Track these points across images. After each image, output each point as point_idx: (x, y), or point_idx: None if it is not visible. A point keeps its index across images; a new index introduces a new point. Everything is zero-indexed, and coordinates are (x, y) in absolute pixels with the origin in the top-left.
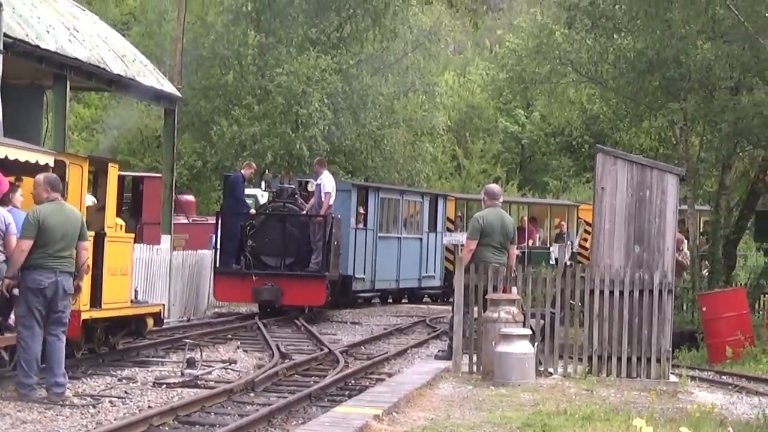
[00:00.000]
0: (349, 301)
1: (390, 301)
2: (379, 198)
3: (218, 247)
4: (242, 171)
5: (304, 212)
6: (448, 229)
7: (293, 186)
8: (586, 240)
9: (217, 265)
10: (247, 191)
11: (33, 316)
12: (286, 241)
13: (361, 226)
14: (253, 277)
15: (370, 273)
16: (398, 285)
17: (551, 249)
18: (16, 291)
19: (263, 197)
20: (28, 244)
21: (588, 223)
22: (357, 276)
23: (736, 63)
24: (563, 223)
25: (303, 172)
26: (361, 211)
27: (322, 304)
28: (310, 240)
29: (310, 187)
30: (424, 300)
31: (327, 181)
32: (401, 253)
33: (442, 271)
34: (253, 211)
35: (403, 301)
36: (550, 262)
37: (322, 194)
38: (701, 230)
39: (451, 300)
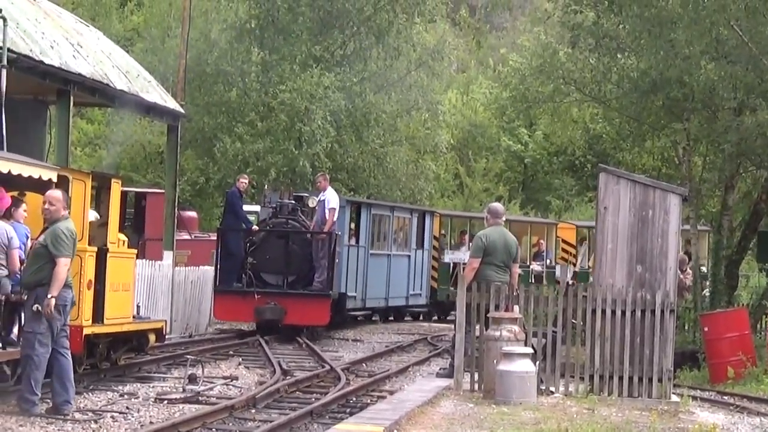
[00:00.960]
0: (343, 320)
1: (375, 319)
2: (370, 214)
3: (218, 264)
4: (236, 185)
5: (308, 229)
6: (439, 246)
7: (293, 201)
8: (564, 259)
9: (217, 283)
10: (248, 207)
11: (51, 334)
12: (289, 259)
13: (353, 242)
14: (255, 296)
15: (362, 291)
16: (387, 303)
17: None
18: (35, 307)
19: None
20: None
21: (566, 242)
22: (349, 294)
23: (739, 84)
24: (542, 241)
25: (305, 188)
26: (353, 227)
27: (326, 324)
28: (312, 257)
29: (311, 203)
30: (405, 318)
31: (331, 197)
32: (390, 270)
33: (428, 289)
34: (255, 227)
35: (390, 319)
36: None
37: (326, 210)
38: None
39: (435, 318)
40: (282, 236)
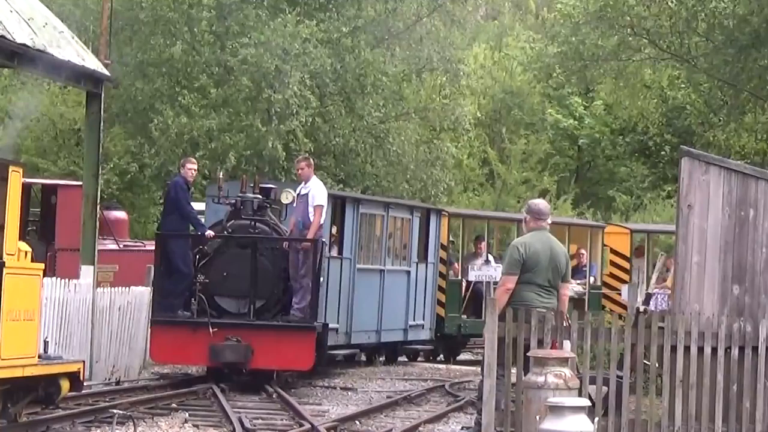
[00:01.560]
0: (319, 362)
1: (359, 360)
2: (358, 213)
3: (155, 285)
4: (181, 173)
5: (282, 234)
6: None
7: (259, 196)
8: (614, 276)
9: (155, 311)
10: (194, 205)
11: None
12: (255, 277)
13: (334, 253)
14: (210, 329)
15: (346, 321)
16: (379, 338)
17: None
18: None
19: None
20: None
21: (616, 253)
22: (330, 326)
23: None
24: (583, 251)
25: (276, 178)
26: (333, 232)
27: (309, 369)
28: (286, 275)
29: (285, 198)
30: (399, 359)
31: (317, 191)
32: (383, 292)
33: (433, 319)
34: (210, 232)
35: (380, 359)
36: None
37: (310, 208)
38: None
39: (440, 357)
40: (245, 245)
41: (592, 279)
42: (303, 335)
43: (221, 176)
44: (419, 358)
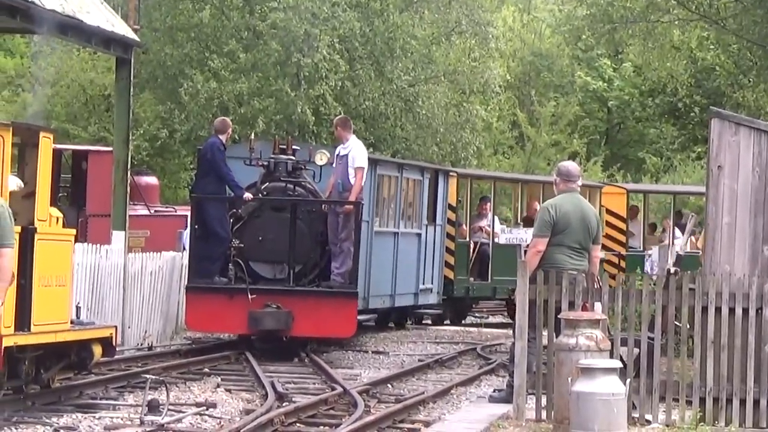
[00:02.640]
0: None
1: (369, 324)
2: (376, 175)
3: (191, 249)
4: (217, 134)
5: (317, 196)
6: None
7: (293, 158)
8: (610, 237)
9: (191, 277)
10: None
11: None
12: (293, 241)
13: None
14: (249, 296)
15: (364, 286)
16: (393, 302)
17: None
18: None
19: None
20: None
21: (612, 213)
22: None
23: None
24: None
25: (305, 142)
26: None
27: (350, 335)
28: (324, 238)
29: (320, 159)
30: (408, 324)
31: (357, 152)
32: (398, 255)
33: (441, 282)
34: (249, 195)
35: (390, 326)
36: (646, 270)
37: (350, 170)
38: None
39: (447, 322)
40: (281, 208)
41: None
42: (345, 301)
43: (253, 137)
44: (424, 322)
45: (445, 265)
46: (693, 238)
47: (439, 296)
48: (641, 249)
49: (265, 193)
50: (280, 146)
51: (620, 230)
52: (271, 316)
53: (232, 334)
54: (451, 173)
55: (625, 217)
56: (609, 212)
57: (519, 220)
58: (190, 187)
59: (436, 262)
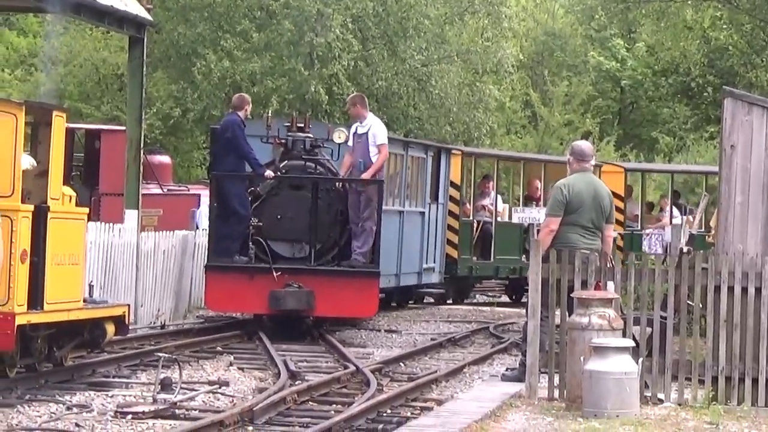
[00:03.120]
0: None
1: (393, 304)
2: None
3: (210, 228)
4: (235, 111)
5: (335, 174)
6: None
7: (311, 135)
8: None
9: (210, 256)
10: None
11: None
12: (315, 219)
13: None
14: (274, 274)
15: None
16: (398, 282)
17: (648, 232)
18: None
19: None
20: None
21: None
22: None
23: None
24: None
25: (319, 122)
26: None
27: (372, 315)
28: (344, 217)
29: (338, 137)
30: (410, 304)
31: (378, 129)
32: (403, 234)
33: (443, 261)
34: (270, 173)
35: (392, 305)
36: (644, 248)
37: (370, 147)
38: None
39: (450, 302)
40: (300, 186)
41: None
42: (367, 281)
43: (269, 114)
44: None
45: (448, 244)
46: (691, 217)
47: (441, 275)
48: (639, 228)
49: (284, 171)
50: (298, 124)
51: (618, 209)
52: (292, 295)
53: (252, 313)
54: (454, 151)
55: (623, 196)
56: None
57: (519, 199)
58: (206, 167)
59: (439, 241)
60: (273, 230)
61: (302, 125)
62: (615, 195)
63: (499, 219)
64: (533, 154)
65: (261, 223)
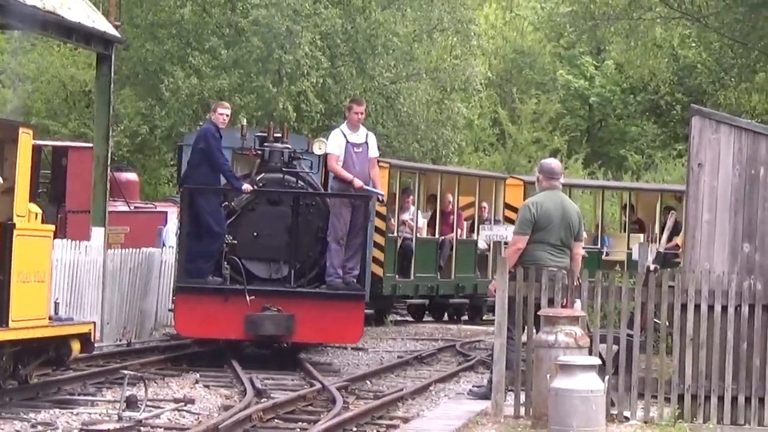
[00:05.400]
0: None
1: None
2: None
3: (180, 246)
4: (212, 119)
5: (316, 188)
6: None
7: (288, 146)
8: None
9: (180, 277)
10: None
11: None
12: (296, 238)
13: None
14: (247, 297)
15: None
16: None
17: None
18: None
19: None
20: None
21: (508, 206)
22: None
23: None
24: (485, 204)
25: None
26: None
27: (356, 341)
28: (324, 235)
29: (318, 149)
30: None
31: (373, 140)
32: None
33: (369, 279)
34: (248, 187)
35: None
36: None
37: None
38: None
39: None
40: (277, 201)
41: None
42: (352, 305)
43: (245, 124)
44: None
45: (374, 262)
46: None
47: (367, 295)
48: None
49: (260, 184)
50: (275, 134)
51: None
52: (270, 320)
53: (227, 338)
54: (381, 163)
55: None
56: (506, 205)
57: (425, 212)
58: (173, 183)
59: (366, 258)
60: (248, 248)
61: (279, 135)
62: (514, 210)
63: (418, 235)
64: (455, 167)
65: (236, 241)
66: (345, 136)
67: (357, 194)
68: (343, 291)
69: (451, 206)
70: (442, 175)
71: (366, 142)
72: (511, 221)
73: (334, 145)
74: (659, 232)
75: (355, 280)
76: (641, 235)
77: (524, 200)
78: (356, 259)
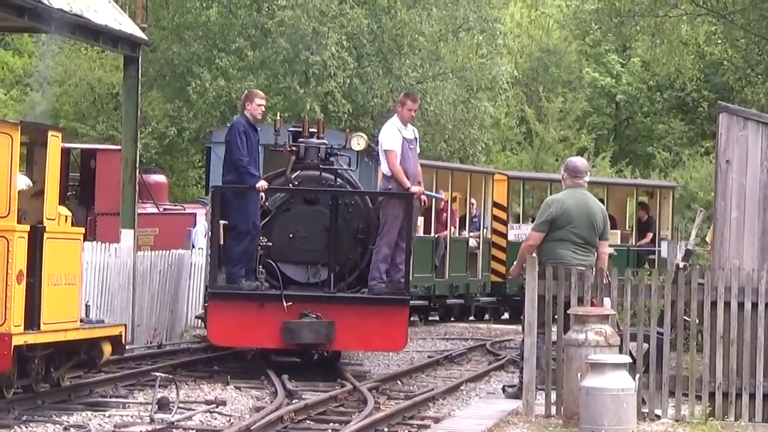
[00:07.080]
0: None
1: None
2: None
3: (212, 249)
4: (246, 111)
5: (358, 187)
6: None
7: (325, 142)
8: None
9: (213, 282)
10: None
11: None
12: (335, 239)
13: None
14: (284, 303)
15: None
16: None
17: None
18: None
19: None
20: None
21: (498, 206)
22: None
23: None
24: (473, 201)
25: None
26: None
27: (402, 349)
28: (365, 236)
29: (357, 145)
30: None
31: (418, 137)
32: None
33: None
34: (264, 183)
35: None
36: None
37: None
38: None
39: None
40: (314, 201)
41: (485, 230)
42: (396, 310)
43: (278, 119)
44: None
45: None
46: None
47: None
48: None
49: (296, 182)
50: (310, 129)
51: (502, 221)
52: (309, 327)
53: (262, 348)
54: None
55: (505, 205)
56: (496, 205)
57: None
58: (202, 185)
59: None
60: (284, 251)
61: (315, 130)
62: (499, 207)
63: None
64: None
65: (270, 243)
66: (400, 131)
67: (404, 193)
68: (387, 296)
69: (444, 203)
70: (437, 171)
71: (415, 137)
72: (497, 219)
73: (393, 141)
74: (631, 229)
75: (403, 281)
76: (618, 232)
77: (507, 196)
78: (404, 262)
